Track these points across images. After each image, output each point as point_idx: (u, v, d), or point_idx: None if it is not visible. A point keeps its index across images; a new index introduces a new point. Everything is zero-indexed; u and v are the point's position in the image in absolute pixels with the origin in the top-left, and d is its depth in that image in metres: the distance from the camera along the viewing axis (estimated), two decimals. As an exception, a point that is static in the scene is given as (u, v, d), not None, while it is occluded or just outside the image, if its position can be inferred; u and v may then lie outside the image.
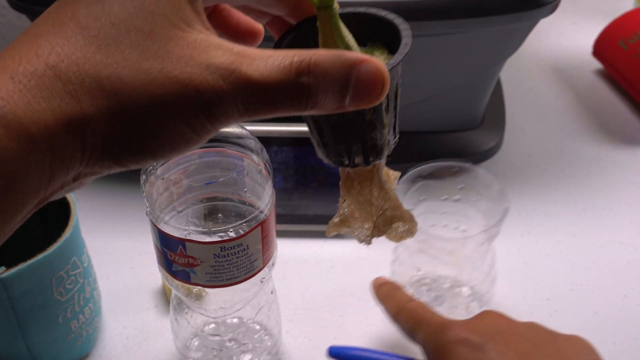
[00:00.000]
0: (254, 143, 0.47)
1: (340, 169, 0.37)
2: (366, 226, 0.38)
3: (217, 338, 0.56)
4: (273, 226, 0.49)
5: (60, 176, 0.28)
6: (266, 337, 0.57)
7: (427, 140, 0.75)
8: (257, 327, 0.57)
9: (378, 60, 0.30)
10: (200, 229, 0.48)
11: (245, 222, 0.46)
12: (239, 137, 0.47)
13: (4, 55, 0.27)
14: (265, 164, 0.48)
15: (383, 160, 0.37)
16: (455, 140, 0.75)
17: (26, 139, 0.26)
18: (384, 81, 0.30)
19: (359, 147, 0.35)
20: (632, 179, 0.76)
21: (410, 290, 0.61)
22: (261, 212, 0.47)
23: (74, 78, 0.27)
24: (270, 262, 0.50)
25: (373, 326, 0.61)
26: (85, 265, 0.56)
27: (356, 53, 0.30)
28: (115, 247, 0.68)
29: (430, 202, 0.60)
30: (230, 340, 0.56)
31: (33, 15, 0.63)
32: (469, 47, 0.67)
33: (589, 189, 0.75)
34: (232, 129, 0.48)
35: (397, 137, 0.36)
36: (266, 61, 0.28)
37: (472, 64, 0.70)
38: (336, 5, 0.32)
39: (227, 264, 0.46)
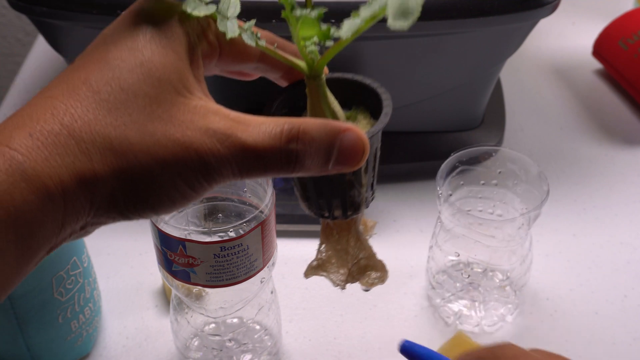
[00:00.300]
0: None
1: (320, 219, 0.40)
2: (341, 271, 0.41)
3: (217, 338, 0.56)
4: (273, 226, 0.49)
5: (71, 225, 0.30)
6: (266, 337, 0.57)
7: (427, 140, 0.75)
8: (257, 327, 0.57)
9: (359, 130, 0.33)
10: (200, 229, 0.48)
11: (245, 222, 0.46)
12: None
13: (21, 114, 0.30)
14: None
15: (361, 214, 0.40)
16: (455, 140, 0.75)
17: (43, 192, 0.28)
18: (364, 149, 0.33)
19: (338, 202, 0.38)
20: (632, 179, 0.76)
21: (444, 275, 0.61)
22: (261, 212, 0.47)
23: (87, 137, 0.30)
24: (271, 262, 0.50)
25: (373, 326, 0.61)
26: (85, 265, 0.56)
27: (340, 122, 0.33)
28: (115, 247, 0.68)
29: (469, 187, 0.61)
30: (230, 340, 0.56)
31: (33, 15, 0.63)
32: (469, 47, 0.67)
33: (589, 189, 0.75)
34: None
35: (375, 194, 0.39)
36: (259, 128, 0.32)
37: (472, 64, 0.70)
38: (324, 75, 0.35)
39: (227, 264, 0.47)
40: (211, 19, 0.35)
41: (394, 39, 0.63)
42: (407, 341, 0.45)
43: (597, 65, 0.92)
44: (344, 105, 0.38)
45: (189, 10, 0.33)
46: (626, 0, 1.02)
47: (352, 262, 0.41)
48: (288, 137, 0.32)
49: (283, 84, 0.39)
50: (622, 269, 0.66)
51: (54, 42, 0.71)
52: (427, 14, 0.60)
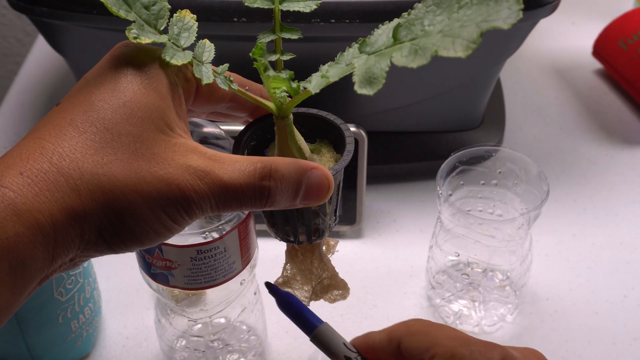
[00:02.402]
0: (228, 144, 0.47)
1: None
2: (305, 288, 0.44)
3: (202, 339, 0.56)
4: (252, 228, 0.49)
5: (61, 257, 0.32)
6: (252, 337, 0.57)
7: (427, 140, 0.75)
8: (243, 327, 0.57)
9: (324, 168, 0.36)
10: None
11: (221, 224, 0.46)
12: (217, 137, 0.48)
13: (11, 154, 0.32)
14: None
15: (324, 239, 0.43)
16: (455, 140, 0.75)
17: (35, 225, 0.30)
18: (329, 185, 0.36)
19: (303, 229, 0.41)
20: (632, 179, 0.76)
21: (444, 275, 0.61)
22: (238, 214, 0.47)
23: (75, 175, 0.31)
24: (251, 264, 0.50)
25: (373, 326, 0.61)
26: (85, 265, 0.56)
27: (307, 162, 0.36)
28: (115, 247, 0.68)
29: (469, 187, 0.61)
30: (215, 340, 0.56)
31: (33, 15, 0.63)
32: (469, 47, 0.67)
33: (589, 189, 0.75)
34: (210, 129, 0.48)
35: (337, 220, 0.42)
36: (234, 166, 0.34)
37: (472, 64, 0.70)
38: (291, 116, 0.38)
39: (205, 267, 0.47)
40: (187, 64, 0.37)
41: (394, 39, 0.63)
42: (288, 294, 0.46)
43: (597, 65, 0.92)
44: (310, 137, 0.41)
45: (167, 58, 0.35)
46: (626, 0, 1.02)
47: (315, 280, 0.44)
48: (261, 175, 0.34)
49: (250, 119, 0.42)
50: (622, 269, 0.66)
51: (54, 42, 0.71)
52: (427, 14, 0.61)
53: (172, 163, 0.33)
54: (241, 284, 0.51)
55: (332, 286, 0.44)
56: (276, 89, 0.37)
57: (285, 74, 0.36)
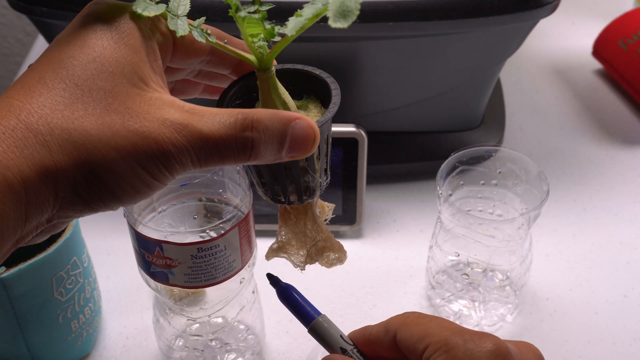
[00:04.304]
0: None
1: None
2: (301, 252, 0.43)
3: (200, 338, 0.56)
4: (252, 226, 0.49)
5: (35, 217, 0.31)
6: (250, 337, 0.57)
7: (427, 140, 0.75)
8: (241, 326, 0.57)
9: (309, 119, 0.35)
10: (176, 230, 0.48)
11: (221, 222, 0.46)
12: None
13: None
14: None
15: (316, 198, 0.42)
16: (455, 140, 0.75)
17: (3, 182, 0.29)
18: (315, 136, 0.35)
19: (293, 188, 0.40)
20: (632, 179, 0.76)
21: (444, 275, 0.61)
22: (239, 212, 0.47)
23: (44, 130, 0.30)
24: (250, 262, 0.50)
25: (373, 326, 0.61)
26: (85, 265, 0.56)
27: (291, 112, 0.35)
28: (115, 247, 0.68)
29: (469, 187, 0.61)
30: (213, 340, 0.56)
31: (33, 15, 0.63)
32: (469, 47, 0.67)
33: (589, 189, 0.75)
34: None
35: (329, 179, 0.41)
36: (214, 118, 0.33)
37: (472, 64, 0.70)
38: (273, 68, 0.37)
39: (205, 265, 0.46)
40: (161, 17, 0.36)
41: (394, 39, 0.64)
42: (288, 285, 0.46)
43: (597, 65, 0.92)
44: (295, 94, 0.40)
45: (139, 11, 0.34)
46: (626, 0, 1.02)
47: (310, 244, 0.43)
48: (242, 126, 0.33)
49: (234, 78, 0.41)
50: (622, 269, 0.66)
51: (54, 42, 0.71)
52: (427, 14, 0.61)
53: (148, 117, 0.32)
54: (240, 282, 0.51)
55: (327, 248, 0.43)
56: (254, 38, 0.36)
57: (257, 15, 0.35)
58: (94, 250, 0.61)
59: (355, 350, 0.43)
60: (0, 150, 0.29)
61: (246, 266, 0.50)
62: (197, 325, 0.56)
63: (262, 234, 0.66)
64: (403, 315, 0.42)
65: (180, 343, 0.56)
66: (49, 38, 0.70)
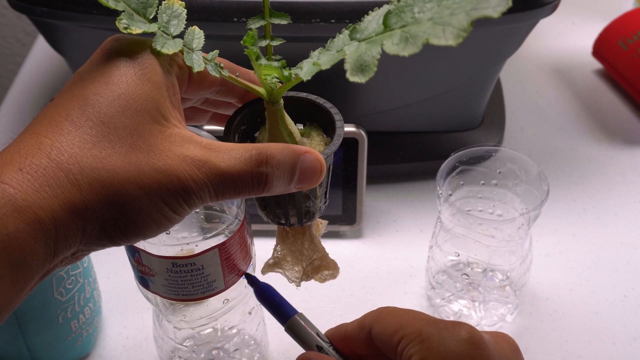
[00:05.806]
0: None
1: None
2: (296, 268, 0.44)
3: (188, 346, 0.55)
4: (238, 250, 0.47)
5: (62, 252, 0.32)
6: (251, 343, 0.56)
7: (427, 140, 0.75)
8: (245, 336, 0.56)
9: (317, 152, 0.37)
10: (152, 240, 0.46)
11: (199, 241, 0.45)
12: None
13: (9, 151, 0.32)
14: None
15: (314, 221, 0.43)
16: (455, 140, 0.75)
17: (35, 221, 0.30)
18: (321, 169, 0.37)
19: (294, 212, 0.41)
20: (632, 179, 0.76)
21: (444, 275, 0.61)
22: (222, 234, 0.46)
23: (75, 169, 0.31)
24: (238, 284, 0.48)
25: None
26: (85, 265, 0.56)
27: (300, 146, 0.37)
28: (115, 247, 0.68)
29: (469, 187, 0.61)
30: (214, 348, 0.55)
31: (33, 15, 0.63)
32: (469, 47, 0.67)
33: (589, 189, 0.75)
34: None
35: (327, 202, 0.43)
36: (230, 154, 0.35)
37: (472, 64, 0.70)
38: (282, 101, 0.38)
39: (181, 280, 0.45)
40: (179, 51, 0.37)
41: (394, 39, 0.63)
42: (265, 284, 0.47)
43: (597, 65, 0.92)
44: (299, 120, 0.42)
45: (158, 48, 0.35)
46: (626, 0, 1.02)
47: (306, 261, 0.44)
48: (257, 162, 0.35)
49: (239, 105, 0.42)
50: (622, 269, 0.66)
51: (54, 42, 0.71)
52: (427, 14, 0.61)
53: (170, 154, 0.33)
54: (223, 303, 0.49)
55: (322, 267, 0.44)
56: (267, 75, 0.37)
57: (277, 63, 0.36)
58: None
59: (331, 348, 0.43)
60: (33, 189, 0.30)
61: (230, 288, 0.48)
62: (189, 332, 0.55)
63: (262, 234, 0.66)
64: (377, 310, 0.42)
65: (180, 352, 0.55)
66: (49, 38, 0.70)
